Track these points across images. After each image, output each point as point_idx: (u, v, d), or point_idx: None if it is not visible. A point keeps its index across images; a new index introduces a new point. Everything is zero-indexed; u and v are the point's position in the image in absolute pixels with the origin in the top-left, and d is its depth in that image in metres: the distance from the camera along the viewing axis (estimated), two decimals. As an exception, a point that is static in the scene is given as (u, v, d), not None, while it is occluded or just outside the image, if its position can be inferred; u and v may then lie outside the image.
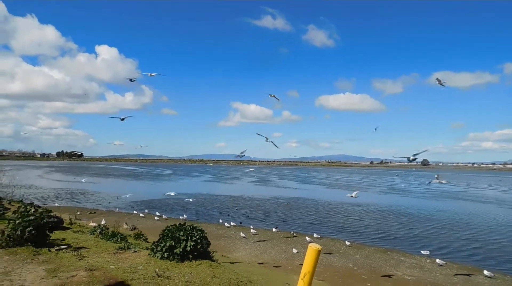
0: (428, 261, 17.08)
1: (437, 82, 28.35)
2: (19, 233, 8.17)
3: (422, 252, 18.09)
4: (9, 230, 8.25)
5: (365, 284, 13.64)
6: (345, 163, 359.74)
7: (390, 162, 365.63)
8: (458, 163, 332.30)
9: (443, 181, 23.85)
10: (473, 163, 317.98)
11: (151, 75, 18.96)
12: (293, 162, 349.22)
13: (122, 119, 18.78)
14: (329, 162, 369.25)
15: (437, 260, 16.53)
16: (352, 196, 23.89)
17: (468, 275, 15.10)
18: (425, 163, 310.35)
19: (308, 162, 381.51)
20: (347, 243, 19.80)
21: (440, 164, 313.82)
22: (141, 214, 27.59)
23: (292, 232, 22.24)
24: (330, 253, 17.65)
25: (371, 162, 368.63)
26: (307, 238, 20.30)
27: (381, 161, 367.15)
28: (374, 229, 25.10)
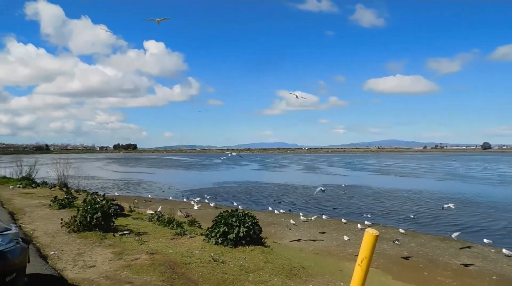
0: (492, 250, 15.91)
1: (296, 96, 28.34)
2: (88, 219, 8.93)
3: (485, 241, 16.84)
4: (79, 216, 9.04)
5: (422, 273, 13.09)
6: (396, 148, 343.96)
7: (446, 146, 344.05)
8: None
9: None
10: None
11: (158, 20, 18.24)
12: (341, 148, 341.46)
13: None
14: (379, 148, 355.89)
15: (504, 250, 15.31)
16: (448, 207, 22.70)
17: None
18: (486, 146, 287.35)
19: (357, 148, 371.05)
20: (401, 230, 19.04)
21: (504, 147, 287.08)
22: (192, 202, 28.71)
23: (342, 219, 21.88)
24: (383, 241, 17.12)
25: (425, 147, 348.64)
26: (359, 226, 19.87)
27: (436, 146, 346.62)
28: (431, 217, 23.81)
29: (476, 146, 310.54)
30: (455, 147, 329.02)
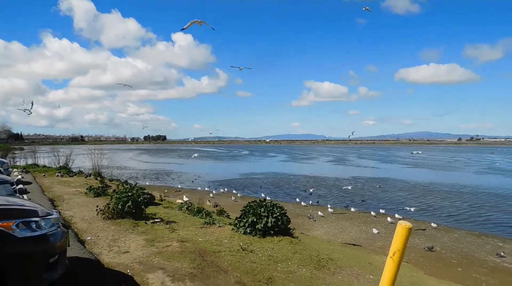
0: (533, 247, 15.11)
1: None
2: (120, 207, 9.27)
3: (526, 237, 16.02)
4: (113, 204, 9.41)
5: (456, 269, 12.64)
6: (428, 140, 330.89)
7: (483, 138, 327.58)
8: None
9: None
10: None
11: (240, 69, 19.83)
12: (371, 140, 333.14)
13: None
14: (409, 140, 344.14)
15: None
16: None
17: None
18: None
19: (387, 140, 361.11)
20: (433, 225, 18.43)
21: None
22: (219, 192, 29.11)
23: (372, 212, 21.47)
24: (413, 235, 16.64)
25: (459, 139, 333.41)
26: (389, 219, 19.44)
27: (471, 138, 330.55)
28: (467, 212, 22.81)
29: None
30: (493, 140, 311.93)
